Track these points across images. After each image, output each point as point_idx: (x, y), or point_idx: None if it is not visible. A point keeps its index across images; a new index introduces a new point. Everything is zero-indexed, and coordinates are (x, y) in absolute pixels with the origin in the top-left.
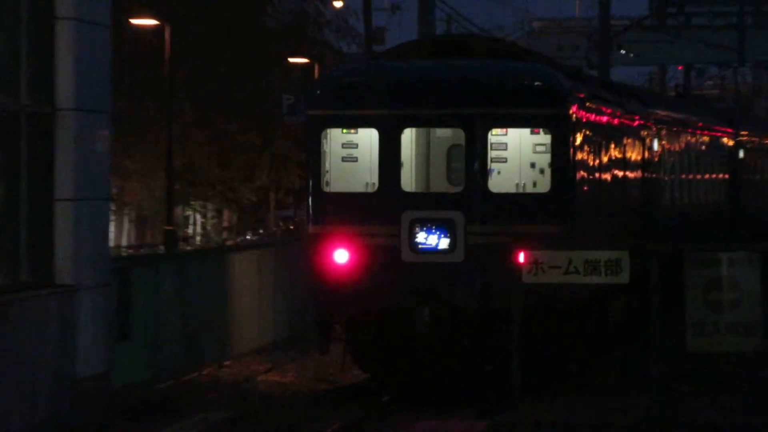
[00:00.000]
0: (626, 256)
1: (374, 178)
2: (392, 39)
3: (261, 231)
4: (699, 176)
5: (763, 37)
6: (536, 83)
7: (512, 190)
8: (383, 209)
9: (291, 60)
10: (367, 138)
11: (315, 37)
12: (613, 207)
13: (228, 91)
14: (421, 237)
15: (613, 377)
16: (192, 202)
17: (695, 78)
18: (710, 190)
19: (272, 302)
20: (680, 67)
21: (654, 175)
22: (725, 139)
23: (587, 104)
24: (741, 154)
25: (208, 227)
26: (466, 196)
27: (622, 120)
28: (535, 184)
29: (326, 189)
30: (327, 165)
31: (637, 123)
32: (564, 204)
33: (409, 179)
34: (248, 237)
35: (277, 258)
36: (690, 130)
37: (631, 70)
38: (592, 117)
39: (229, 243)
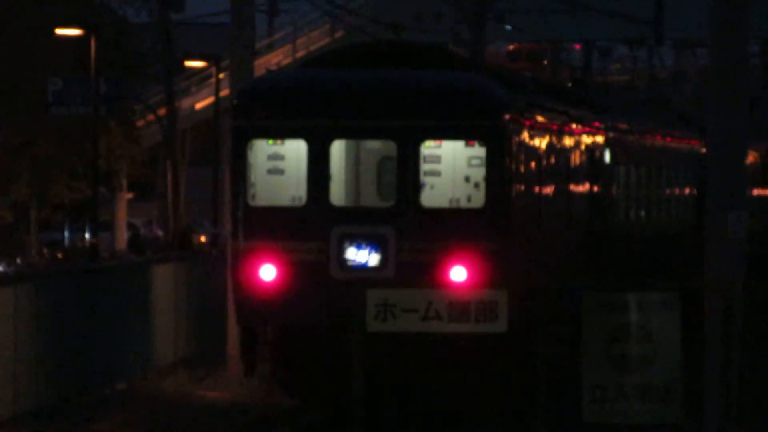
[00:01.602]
0: (504, 297)
1: (302, 192)
2: (194, 5)
3: (18, 260)
4: (660, 191)
5: (688, 8)
6: (470, 93)
7: (445, 205)
8: (311, 224)
9: (59, 31)
10: (295, 150)
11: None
12: (555, 224)
13: None
14: (350, 253)
15: None
16: None
17: (598, 59)
18: (674, 206)
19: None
20: (578, 46)
21: (605, 190)
22: (693, 148)
23: (526, 114)
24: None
25: None
26: (397, 211)
27: (567, 129)
28: (469, 199)
29: (251, 203)
30: (252, 178)
31: (584, 132)
32: (499, 220)
33: (338, 193)
34: None
35: (187, 274)
36: (650, 139)
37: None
38: (532, 128)
39: None
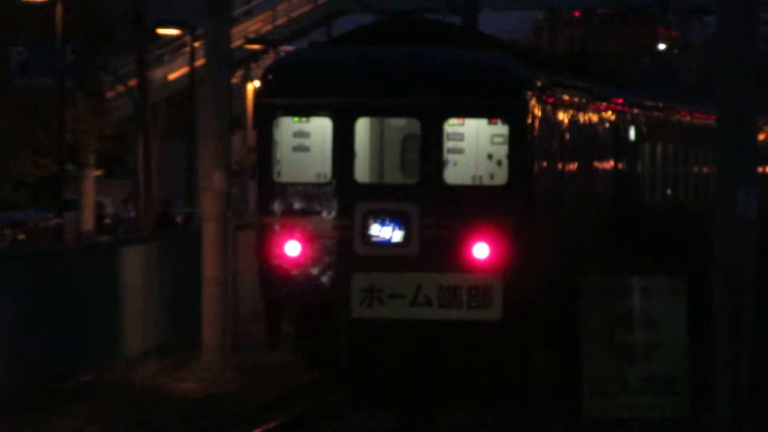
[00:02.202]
0: (499, 282)
1: (327, 169)
2: None
3: None
4: (687, 168)
5: None
6: (493, 72)
7: (468, 182)
8: (336, 200)
9: None
10: (320, 127)
11: None
12: (579, 202)
13: None
14: (374, 229)
15: None
16: None
17: (599, 29)
18: (701, 185)
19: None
20: (577, 14)
21: (630, 168)
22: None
23: (548, 92)
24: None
25: None
26: (421, 187)
27: (590, 107)
28: (492, 176)
29: (277, 179)
30: (278, 155)
31: (609, 109)
32: (521, 197)
33: (362, 170)
34: None
35: (163, 255)
36: (675, 115)
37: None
38: (554, 105)
39: None
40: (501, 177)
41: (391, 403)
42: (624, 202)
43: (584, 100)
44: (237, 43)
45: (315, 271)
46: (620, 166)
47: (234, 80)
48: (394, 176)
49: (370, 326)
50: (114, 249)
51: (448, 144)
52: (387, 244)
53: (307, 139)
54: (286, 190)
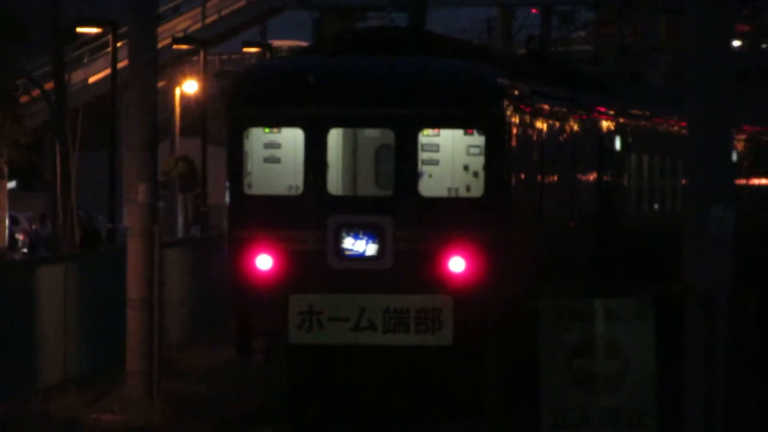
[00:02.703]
0: (448, 304)
1: (299, 181)
2: None
3: None
4: (674, 181)
5: None
6: (468, 81)
7: (444, 194)
8: (308, 213)
9: None
10: (292, 138)
11: None
12: (559, 215)
13: None
14: (348, 243)
15: None
16: None
17: (559, 27)
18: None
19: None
20: (534, 10)
21: (614, 180)
22: None
23: (527, 101)
24: (734, 156)
25: None
26: (395, 200)
27: (572, 117)
28: (468, 188)
29: (248, 191)
30: (249, 166)
31: (591, 119)
32: (498, 210)
33: (335, 182)
34: None
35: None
36: (662, 125)
37: (461, 14)
38: (534, 115)
39: None
40: (477, 189)
41: None
42: (608, 216)
43: (565, 110)
44: (164, 42)
45: (287, 285)
46: (604, 178)
47: (161, 84)
48: (367, 188)
49: (308, 352)
50: (29, 268)
51: (422, 155)
52: (361, 257)
53: (278, 150)
54: (256, 202)
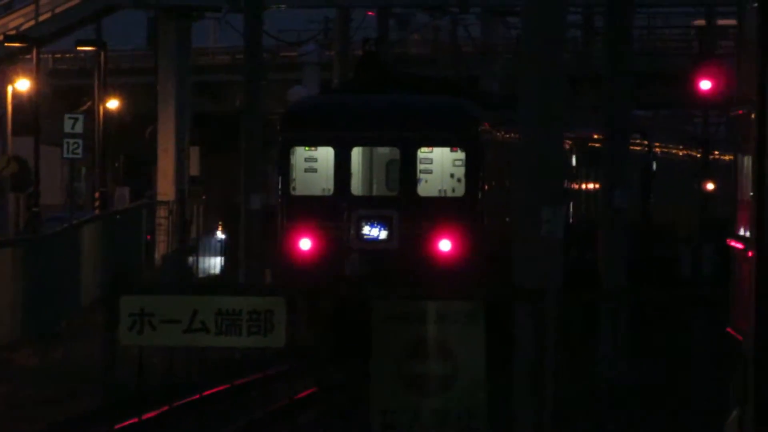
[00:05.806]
0: (281, 305)
1: (330, 185)
2: None
3: None
4: (595, 188)
5: None
6: (453, 112)
7: (436, 194)
8: (337, 208)
9: None
10: (325, 154)
11: None
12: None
13: None
14: (366, 230)
15: None
16: None
17: (395, 29)
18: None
19: None
20: (371, 13)
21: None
22: (639, 152)
23: (496, 126)
24: (654, 167)
25: None
26: (400, 198)
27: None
28: (453, 190)
29: (293, 193)
30: (294, 174)
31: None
32: (474, 206)
33: (357, 185)
34: None
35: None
36: (589, 140)
37: (298, 16)
38: (498, 139)
39: None
40: (460, 191)
41: None
42: None
43: (513, 132)
44: None
45: (321, 261)
46: None
47: None
48: (380, 190)
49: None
50: None
51: (420, 166)
52: (375, 240)
53: (315, 163)
54: (299, 201)
